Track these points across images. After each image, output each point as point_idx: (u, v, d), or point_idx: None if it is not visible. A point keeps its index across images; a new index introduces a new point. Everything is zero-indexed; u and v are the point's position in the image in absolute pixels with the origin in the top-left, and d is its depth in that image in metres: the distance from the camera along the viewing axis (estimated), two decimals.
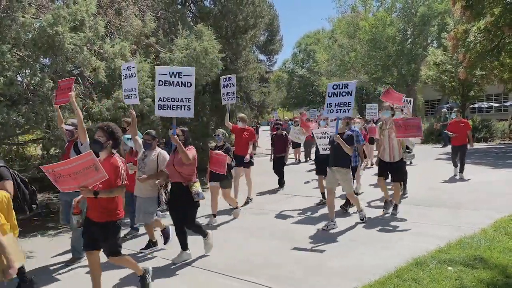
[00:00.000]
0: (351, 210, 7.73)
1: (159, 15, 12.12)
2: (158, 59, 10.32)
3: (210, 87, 13.66)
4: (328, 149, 7.37)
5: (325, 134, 7.85)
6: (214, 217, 7.46)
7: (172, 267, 5.27)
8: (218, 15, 14.01)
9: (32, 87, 7.35)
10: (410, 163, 12.35)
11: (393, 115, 7.31)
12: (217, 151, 7.08)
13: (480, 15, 16.83)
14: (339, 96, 6.47)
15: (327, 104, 6.61)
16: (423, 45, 30.67)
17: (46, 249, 6.33)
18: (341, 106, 6.41)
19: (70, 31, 7.30)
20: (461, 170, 10.40)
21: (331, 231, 6.47)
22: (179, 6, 14.50)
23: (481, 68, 18.72)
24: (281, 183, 10.70)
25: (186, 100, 5.38)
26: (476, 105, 30.49)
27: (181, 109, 5.38)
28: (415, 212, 7.37)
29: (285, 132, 11.36)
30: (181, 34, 10.42)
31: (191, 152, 5.33)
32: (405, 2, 30.51)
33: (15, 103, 7.41)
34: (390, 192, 7.60)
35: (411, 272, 4.47)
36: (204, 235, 5.62)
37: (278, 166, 10.83)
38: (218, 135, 7.55)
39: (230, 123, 8.72)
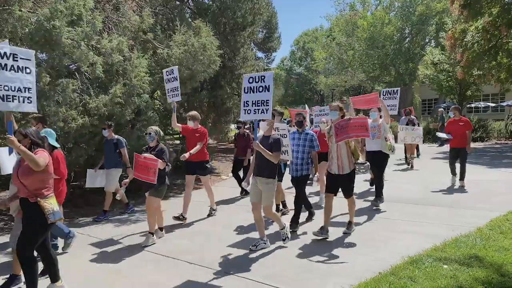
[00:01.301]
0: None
1: (157, 11, 12.08)
2: (156, 55, 10.29)
3: (207, 84, 13.64)
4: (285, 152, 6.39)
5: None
6: (152, 235, 6.11)
7: (163, 260, 5.27)
8: (216, 12, 13.97)
9: None
10: (412, 167, 12.31)
11: (342, 116, 6.09)
12: (146, 155, 5.89)
13: (478, 15, 16.86)
14: (256, 92, 5.37)
15: (244, 102, 5.47)
16: (421, 44, 30.75)
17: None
18: (259, 106, 5.33)
19: (67, 26, 7.26)
20: (462, 177, 9.17)
21: (330, 230, 6.47)
22: (177, 2, 14.47)
23: (479, 68, 18.76)
24: (243, 190, 9.35)
25: (25, 90, 4.43)
26: (473, 105, 30.61)
27: (18, 101, 4.41)
28: (411, 210, 7.38)
29: (248, 131, 9.99)
30: (179, 30, 10.39)
31: (41, 156, 4.03)
32: (403, 1, 30.55)
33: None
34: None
35: (407, 270, 4.48)
36: (54, 279, 4.29)
37: (237, 169, 9.81)
38: (150, 133, 6.17)
39: (179, 124, 7.53)
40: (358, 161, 6.12)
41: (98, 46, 8.29)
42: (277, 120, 6.95)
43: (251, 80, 5.45)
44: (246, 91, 5.46)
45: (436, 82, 24.62)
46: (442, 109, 19.73)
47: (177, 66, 7.81)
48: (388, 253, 5.18)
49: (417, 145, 13.72)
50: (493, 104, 32.22)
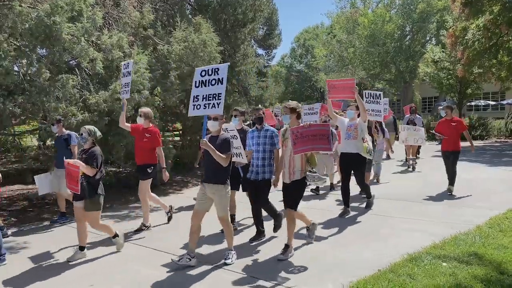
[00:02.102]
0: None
1: (157, 7, 12.04)
2: (156, 51, 10.27)
3: None
4: (239, 155, 5.86)
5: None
6: (82, 250, 5.36)
7: (164, 262, 5.28)
8: (217, 8, 13.93)
9: (28, 77, 7.30)
10: (413, 169, 11.48)
11: (298, 117, 5.33)
12: (69, 160, 5.17)
13: (479, 13, 16.84)
14: (208, 85, 4.97)
15: (193, 97, 5.04)
16: (422, 42, 30.70)
17: (42, 240, 6.32)
18: (210, 100, 4.88)
19: (68, 21, 7.24)
20: (451, 182, 8.42)
21: (330, 228, 6.48)
22: None
23: (479, 66, 18.75)
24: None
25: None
26: (473, 103, 30.59)
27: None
28: (410, 208, 7.39)
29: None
30: (180, 26, 10.37)
31: None
32: None
33: (11, 93, 7.35)
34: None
35: (406, 268, 4.49)
36: None
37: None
38: (82, 134, 5.33)
39: (128, 124, 6.77)
40: (310, 170, 5.21)
41: (98, 42, 8.28)
42: (240, 121, 6.37)
43: (203, 73, 5.04)
44: (197, 85, 5.05)
45: (436, 80, 24.59)
46: (442, 107, 19.72)
47: (132, 60, 7.09)
48: (387, 251, 5.18)
49: (418, 147, 12.62)
50: (493, 103, 32.23)
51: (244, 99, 16.59)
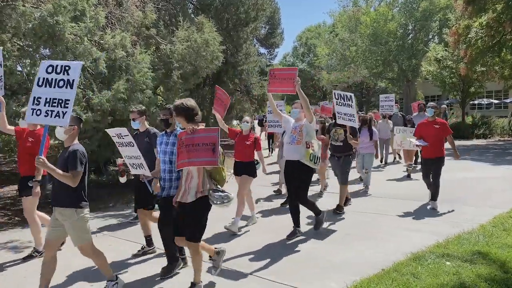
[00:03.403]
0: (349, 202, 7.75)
1: (160, 6, 12.07)
2: (159, 50, 10.29)
3: (210, 80, 13.63)
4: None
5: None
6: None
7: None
8: (219, 7, 13.96)
9: (32, 77, 7.32)
10: (408, 176, 10.19)
11: (188, 119, 4.09)
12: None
13: (482, 11, 16.78)
14: (54, 86, 3.86)
15: (34, 99, 3.88)
16: (424, 40, 30.60)
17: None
18: (54, 106, 3.82)
19: (71, 21, 7.27)
20: (434, 197, 7.17)
21: (331, 227, 6.48)
22: None
23: (482, 64, 18.69)
24: None
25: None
26: (476, 102, 30.49)
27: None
28: (412, 207, 7.37)
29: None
30: (182, 26, 10.39)
31: None
32: None
33: (15, 93, 7.39)
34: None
35: (409, 267, 4.48)
36: None
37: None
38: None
39: (11, 127, 5.70)
40: (215, 188, 4.07)
41: (101, 41, 8.30)
42: (142, 123, 5.58)
43: (50, 69, 3.89)
44: (40, 83, 3.88)
45: (439, 79, 24.49)
46: (445, 105, 19.64)
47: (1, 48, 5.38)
48: (390, 250, 5.18)
49: (417, 152, 10.88)
50: (497, 101, 32.13)
51: (246, 98, 16.61)
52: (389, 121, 11.97)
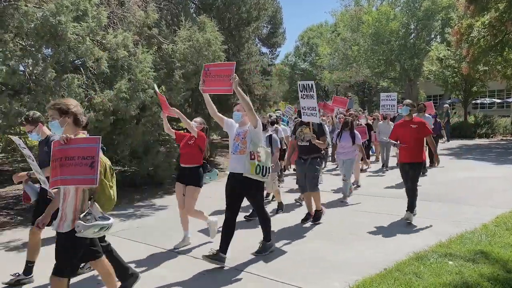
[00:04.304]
0: (349, 200, 7.75)
1: (161, 6, 12.07)
2: (161, 50, 10.30)
3: None
4: None
5: None
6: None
7: (169, 259, 5.29)
8: (221, 7, 13.96)
9: (34, 77, 7.34)
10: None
11: (74, 122, 3.33)
12: None
13: (484, 10, 16.75)
14: None
15: None
16: (426, 40, 30.55)
17: (48, 238, 6.35)
18: None
19: (73, 21, 7.28)
20: (410, 208, 6.36)
21: (333, 227, 6.48)
22: None
23: (484, 64, 18.65)
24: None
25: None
26: (478, 101, 30.42)
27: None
28: (416, 206, 7.36)
29: None
30: (184, 25, 10.39)
31: None
32: None
33: (17, 93, 7.40)
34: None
35: (412, 266, 4.48)
36: None
37: None
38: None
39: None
40: (87, 213, 3.14)
41: (103, 41, 8.30)
42: (38, 130, 4.59)
43: None
44: None
45: (441, 78, 24.48)
46: (447, 105, 19.62)
47: None
48: (392, 249, 5.18)
49: None
50: (499, 100, 32.05)
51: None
52: (390, 122, 11.23)
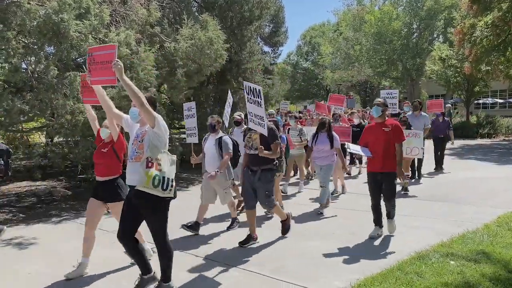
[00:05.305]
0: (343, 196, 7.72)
1: (164, 4, 12.05)
2: (163, 48, 10.29)
3: (214, 78, 13.62)
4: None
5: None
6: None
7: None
8: (223, 5, 13.93)
9: (36, 75, 7.35)
10: (405, 190, 8.43)
11: None
12: None
13: (487, 10, 16.71)
14: None
15: None
16: (429, 39, 30.47)
17: (50, 236, 6.37)
18: None
19: (75, 19, 7.28)
20: (389, 214, 5.70)
21: (334, 226, 6.47)
22: None
23: (487, 64, 18.61)
24: None
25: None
26: (480, 101, 30.35)
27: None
28: (417, 206, 7.36)
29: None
30: (186, 23, 10.38)
31: None
32: None
33: (20, 90, 7.41)
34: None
35: (413, 266, 4.48)
36: None
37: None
38: None
39: None
40: None
41: (106, 39, 8.29)
42: None
43: None
44: None
45: (443, 78, 24.43)
46: (449, 105, 19.57)
47: None
48: (394, 249, 5.17)
49: (414, 161, 9.48)
50: (501, 101, 32.00)
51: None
52: None
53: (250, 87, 5.26)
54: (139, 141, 3.97)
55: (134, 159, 3.95)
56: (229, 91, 8.29)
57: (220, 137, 6.14)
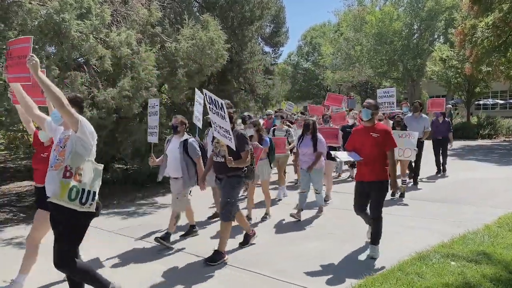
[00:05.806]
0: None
1: (165, 4, 12.06)
2: (164, 48, 10.29)
3: (215, 78, 13.62)
4: None
5: None
6: None
7: (171, 257, 5.30)
8: (224, 6, 13.93)
9: None
10: (401, 195, 8.12)
11: None
12: None
13: (488, 11, 16.69)
14: None
15: None
16: (430, 40, 30.46)
17: (50, 235, 6.36)
18: None
19: (77, 19, 7.29)
20: (374, 240, 5.01)
21: (334, 226, 6.47)
22: None
23: (488, 64, 18.59)
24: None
25: None
26: (481, 102, 30.34)
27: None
28: (418, 207, 7.35)
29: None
30: (187, 24, 10.38)
31: None
32: None
33: None
34: None
35: (414, 266, 4.47)
36: None
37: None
38: None
39: None
40: None
41: (107, 39, 8.31)
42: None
43: None
44: None
45: (444, 79, 24.42)
46: (450, 105, 19.55)
47: None
48: (394, 249, 5.17)
49: (411, 163, 8.95)
50: (502, 101, 32.01)
51: (251, 96, 16.60)
52: (389, 121, 9.51)
53: (211, 97, 4.78)
54: (61, 147, 3.46)
55: (54, 167, 3.43)
56: (195, 89, 7.58)
57: (186, 140, 5.76)
